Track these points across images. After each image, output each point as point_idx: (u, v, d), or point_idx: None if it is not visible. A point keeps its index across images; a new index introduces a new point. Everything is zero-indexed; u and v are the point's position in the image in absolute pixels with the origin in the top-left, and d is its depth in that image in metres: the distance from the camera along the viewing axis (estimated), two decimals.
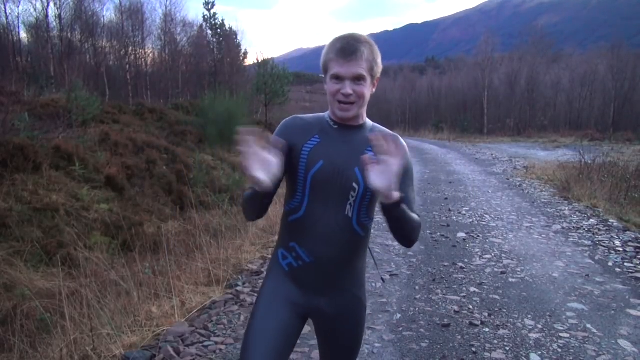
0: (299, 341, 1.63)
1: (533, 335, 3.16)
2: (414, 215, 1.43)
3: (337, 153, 1.44)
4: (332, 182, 1.43)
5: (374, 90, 1.47)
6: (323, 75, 1.46)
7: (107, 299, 3.45)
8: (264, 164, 1.24)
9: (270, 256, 4.98)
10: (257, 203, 1.41)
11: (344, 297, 1.52)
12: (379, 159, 1.27)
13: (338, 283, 1.51)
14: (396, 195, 1.27)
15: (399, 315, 3.51)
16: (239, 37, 32.05)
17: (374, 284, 4.16)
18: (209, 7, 29.15)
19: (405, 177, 1.44)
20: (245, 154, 1.22)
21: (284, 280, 1.53)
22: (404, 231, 1.43)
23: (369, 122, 1.53)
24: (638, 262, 4.64)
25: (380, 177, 1.26)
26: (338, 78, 1.39)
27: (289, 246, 1.50)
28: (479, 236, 5.72)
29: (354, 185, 1.43)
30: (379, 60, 1.45)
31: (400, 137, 1.49)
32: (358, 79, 1.39)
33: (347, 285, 1.52)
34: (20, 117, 8.47)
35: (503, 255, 4.96)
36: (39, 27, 22.93)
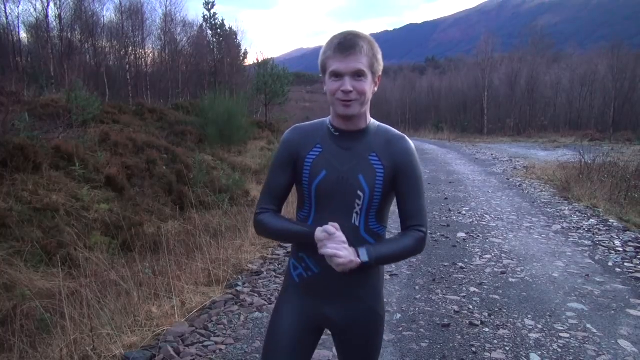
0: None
1: (533, 335, 3.16)
2: (396, 245, 1.44)
3: (340, 162, 1.41)
4: (337, 191, 1.41)
5: (375, 89, 1.42)
6: (322, 76, 1.42)
7: (107, 299, 3.45)
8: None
9: (270, 256, 4.98)
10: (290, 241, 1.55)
11: (356, 308, 1.49)
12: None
13: (348, 293, 1.48)
14: (353, 264, 1.33)
15: (399, 315, 3.51)
16: (239, 37, 32.05)
17: None
18: (209, 7, 29.15)
19: (405, 180, 1.44)
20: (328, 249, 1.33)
21: (295, 292, 1.52)
22: (400, 260, 1.52)
23: (374, 124, 1.48)
24: (638, 262, 4.64)
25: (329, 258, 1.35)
26: (337, 75, 1.34)
27: (299, 256, 1.50)
28: (479, 236, 5.72)
29: (359, 193, 1.40)
30: (380, 57, 1.41)
31: (406, 138, 1.48)
32: (358, 74, 1.34)
33: (359, 295, 1.49)
34: (20, 117, 8.46)
35: (503, 255, 4.96)
36: (39, 27, 22.91)
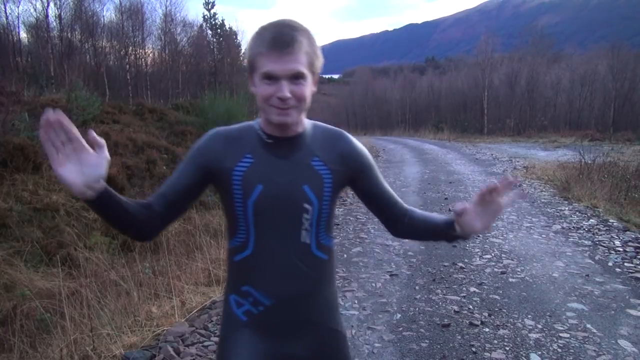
0: None
1: (533, 335, 3.16)
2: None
3: (277, 173, 1.19)
4: (279, 207, 1.19)
5: (314, 89, 1.21)
6: (249, 74, 1.18)
7: (107, 299, 3.45)
8: (77, 160, 0.99)
9: None
10: (106, 215, 1.12)
11: (319, 334, 1.30)
12: (482, 201, 1.19)
13: (309, 320, 1.28)
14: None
15: (399, 315, 3.51)
16: (239, 37, 32.03)
17: (374, 284, 4.16)
18: (209, 7, 29.17)
19: (368, 178, 1.31)
20: (46, 143, 0.96)
21: (243, 333, 1.25)
22: (434, 240, 1.47)
23: (308, 124, 1.27)
24: (638, 262, 4.64)
25: (485, 216, 1.20)
26: (271, 78, 1.11)
27: (243, 291, 1.24)
28: (478, 236, 5.72)
29: (306, 206, 1.20)
30: (319, 51, 1.18)
31: (345, 132, 1.32)
32: (296, 77, 1.12)
33: (319, 319, 1.30)
34: (20, 117, 8.47)
35: (503, 255, 4.96)
36: (39, 27, 22.91)
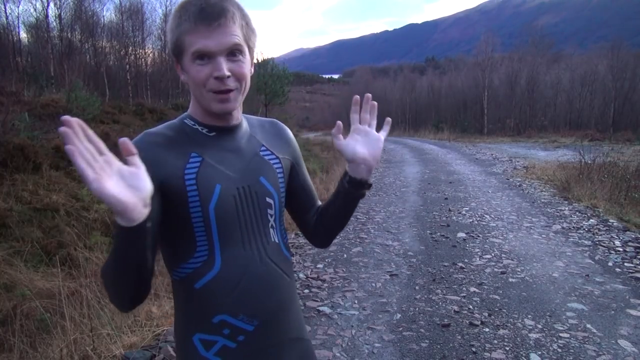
0: None
1: (533, 335, 3.16)
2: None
3: (231, 168, 1.02)
4: (243, 207, 1.02)
5: (252, 70, 1.05)
6: (175, 60, 1.01)
7: (107, 299, 3.45)
8: (118, 173, 0.78)
9: None
10: (134, 260, 0.87)
11: (296, 349, 1.12)
12: (359, 127, 1.07)
13: (290, 337, 1.10)
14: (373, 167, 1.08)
15: (399, 315, 3.51)
16: None
17: (374, 284, 4.16)
18: None
19: (300, 169, 1.22)
20: (76, 156, 0.72)
21: None
22: (348, 218, 1.21)
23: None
24: (638, 262, 4.64)
25: (367, 145, 1.07)
26: (204, 56, 0.94)
27: (213, 324, 1.00)
28: (479, 236, 5.72)
29: (268, 200, 1.07)
30: (253, 24, 1.02)
31: (280, 122, 1.23)
32: (234, 52, 0.96)
33: (297, 333, 1.13)
34: (20, 117, 8.47)
35: (503, 255, 4.96)
36: (39, 27, 22.93)
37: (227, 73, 0.95)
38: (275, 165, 1.10)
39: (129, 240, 0.83)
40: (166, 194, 0.97)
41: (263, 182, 1.06)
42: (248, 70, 1.00)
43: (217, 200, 0.98)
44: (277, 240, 1.08)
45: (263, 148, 1.10)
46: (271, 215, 1.07)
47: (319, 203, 1.25)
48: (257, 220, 1.04)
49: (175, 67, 1.03)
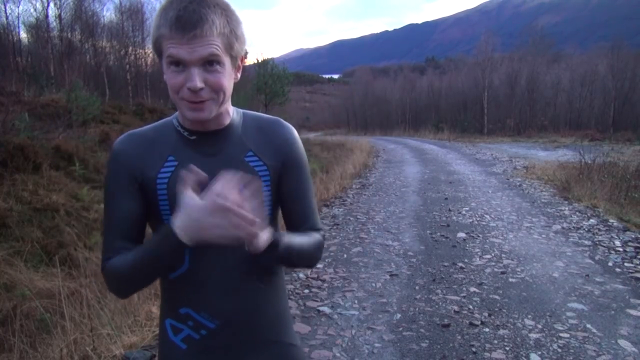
0: None
1: (533, 335, 3.16)
2: (305, 239, 1.05)
3: (207, 173, 0.93)
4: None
5: (238, 76, 1.02)
6: (158, 59, 0.97)
7: (107, 299, 3.45)
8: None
9: None
10: (169, 267, 0.98)
11: (273, 352, 1.11)
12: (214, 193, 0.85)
13: (260, 339, 1.09)
14: (263, 239, 0.89)
15: (399, 315, 3.51)
16: None
17: (374, 284, 4.16)
18: None
19: (294, 176, 1.09)
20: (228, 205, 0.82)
21: None
22: (301, 263, 1.10)
23: (238, 113, 1.09)
24: (638, 262, 4.64)
25: (219, 221, 0.85)
26: (178, 63, 0.91)
27: (180, 314, 1.04)
28: (479, 236, 5.73)
29: None
30: (241, 30, 0.97)
31: (282, 121, 1.13)
32: (210, 62, 0.91)
33: (271, 336, 1.11)
34: (20, 117, 8.48)
35: (503, 255, 4.96)
36: (39, 27, 22.95)
37: (200, 85, 0.91)
38: (262, 172, 1.04)
39: (179, 253, 0.90)
40: (144, 193, 1.00)
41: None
42: (226, 80, 0.95)
43: None
44: None
45: (250, 153, 1.04)
46: None
47: (315, 223, 1.12)
48: None
49: (160, 62, 0.98)
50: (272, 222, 1.08)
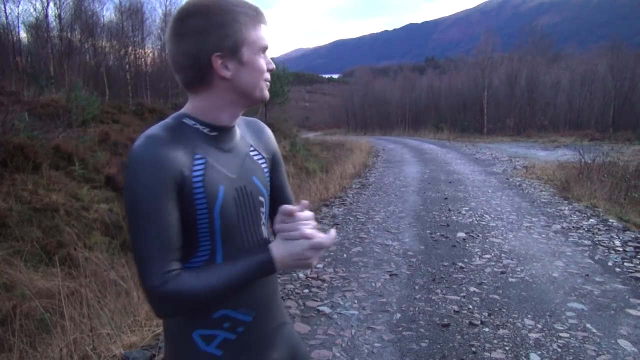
0: None
1: (533, 335, 3.16)
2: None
3: (229, 169, 1.05)
4: (241, 208, 1.06)
5: None
6: (225, 55, 1.01)
7: (107, 299, 3.45)
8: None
9: None
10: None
11: (284, 334, 1.19)
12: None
13: (279, 323, 1.18)
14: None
15: (399, 315, 3.51)
16: None
17: (374, 284, 4.16)
18: None
19: (281, 170, 1.25)
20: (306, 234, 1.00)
21: None
22: None
23: None
24: (638, 262, 4.64)
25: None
26: (264, 51, 1.07)
27: (213, 320, 1.04)
28: (479, 236, 5.73)
29: (261, 199, 1.11)
30: None
31: (260, 121, 1.26)
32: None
33: (284, 319, 1.21)
34: (20, 117, 8.48)
35: (503, 255, 4.96)
36: (39, 27, 22.94)
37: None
38: (263, 165, 1.15)
39: (264, 276, 1.03)
40: (181, 196, 0.97)
41: (255, 182, 1.10)
42: None
43: (221, 203, 1.01)
44: (266, 237, 1.13)
45: (252, 148, 1.14)
46: (263, 213, 1.12)
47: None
48: (252, 218, 1.09)
49: (215, 63, 1.00)
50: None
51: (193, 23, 0.99)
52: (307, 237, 1.00)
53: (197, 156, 1.00)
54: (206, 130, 1.04)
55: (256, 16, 1.04)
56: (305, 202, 1.05)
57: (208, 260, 1.02)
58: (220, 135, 1.06)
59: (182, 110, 1.06)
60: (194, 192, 0.98)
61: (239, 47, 1.01)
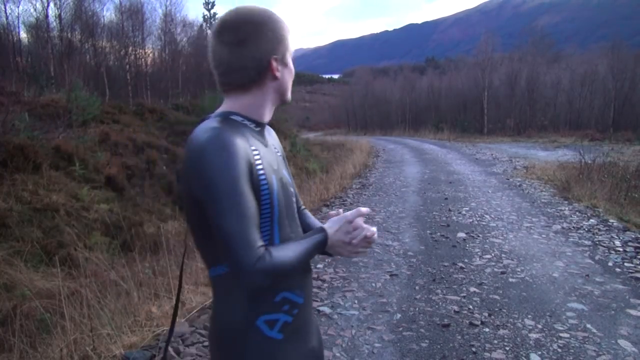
0: None
1: (533, 335, 3.16)
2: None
3: (272, 161, 1.16)
4: (285, 197, 1.16)
5: None
6: (275, 59, 1.14)
7: (107, 299, 3.45)
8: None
9: None
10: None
11: (315, 320, 1.31)
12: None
13: (312, 308, 1.31)
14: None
15: (399, 315, 3.51)
16: None
17: (374, 284, 4.16)
18: (209, 7, 29.14)
19: (286, 162, 1.34)
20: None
21: (287, 354, 1.12)
22: None
23: None
24: (638, 262, 4.64)
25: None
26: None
27: (275, 303, 1.11)
28: (479, 236, 5.72)
29: (292, 189, 1.23)
30: None
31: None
32: None
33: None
34: (20, 117, 8.47)
35: (503, 255, 4.96)
36: (39, 27, 22.90)
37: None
38: (284, 159, 1.27)
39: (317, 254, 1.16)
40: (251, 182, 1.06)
41: (286, 174, 1.22)
42: None
43: (277, 190, 1.12)
44: (300, 223, 1.25)
45: (274, 143, 1.26)
46: (295, 203, 1.24)
47: (301, 203, 1.38)
48: (291, 207, 1.20)
49: (273, 64, 1.14)
50: None
51: (249, 30, 1.11)
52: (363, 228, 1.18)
53: (252, 147, 1.09)
54: (252, 126, 1.15)
55: (288, 26, 1.17)
56: (363, 209, 1.20)
57: (268, 239, 1.10)
58: (262, 130, 1.19)
59: (224, 109, 1.15)
60: (259, 178, 1.07)
61: (286, 51, 1.17)
